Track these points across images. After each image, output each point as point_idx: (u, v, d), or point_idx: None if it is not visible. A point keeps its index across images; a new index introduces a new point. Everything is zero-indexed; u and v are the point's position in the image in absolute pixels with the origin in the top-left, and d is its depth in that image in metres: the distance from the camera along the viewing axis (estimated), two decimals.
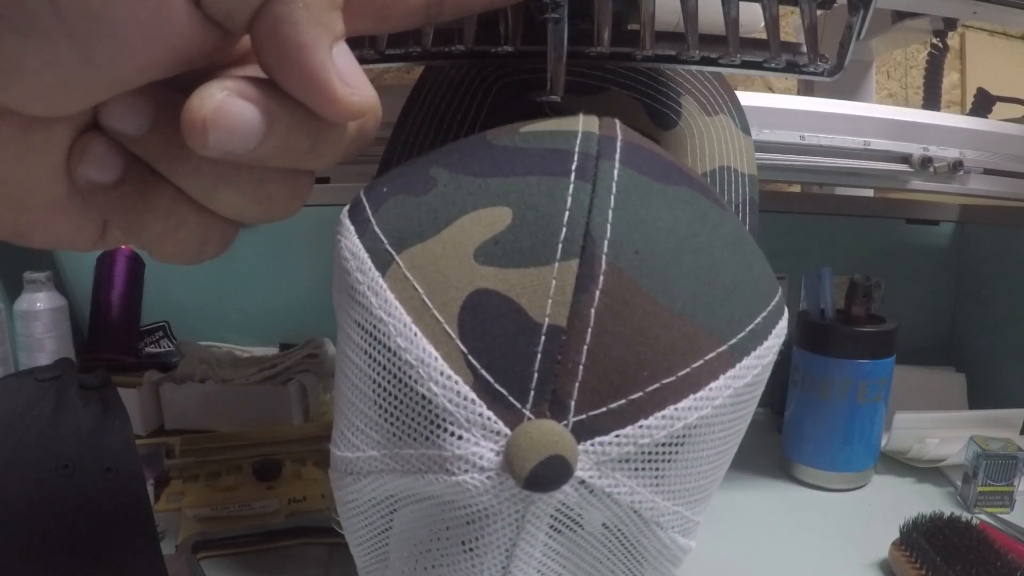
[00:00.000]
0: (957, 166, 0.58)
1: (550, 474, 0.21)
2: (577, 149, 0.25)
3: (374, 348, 0.24)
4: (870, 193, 0.84)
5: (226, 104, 0.15)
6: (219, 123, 0.15)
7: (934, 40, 0.75)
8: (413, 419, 0.23)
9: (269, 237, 0.76)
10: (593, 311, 0.22)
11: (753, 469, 0.59)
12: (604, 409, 0.22)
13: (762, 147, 0.56)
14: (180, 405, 0.64)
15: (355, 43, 0.17)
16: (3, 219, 0.18)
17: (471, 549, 0.23)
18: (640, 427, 0.22)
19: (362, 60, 0.30)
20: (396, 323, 0.23)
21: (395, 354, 0.23)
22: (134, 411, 0.60)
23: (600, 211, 0.23)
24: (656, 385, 0.22)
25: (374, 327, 0.24)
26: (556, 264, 0.22)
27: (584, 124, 0.26)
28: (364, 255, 0.25)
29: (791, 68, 0.31)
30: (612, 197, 0.23)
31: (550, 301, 0.22)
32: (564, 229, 0.23)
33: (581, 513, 0.23)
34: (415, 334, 0.23)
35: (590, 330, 0.22)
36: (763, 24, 0.30)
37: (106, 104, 0.16)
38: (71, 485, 0.36)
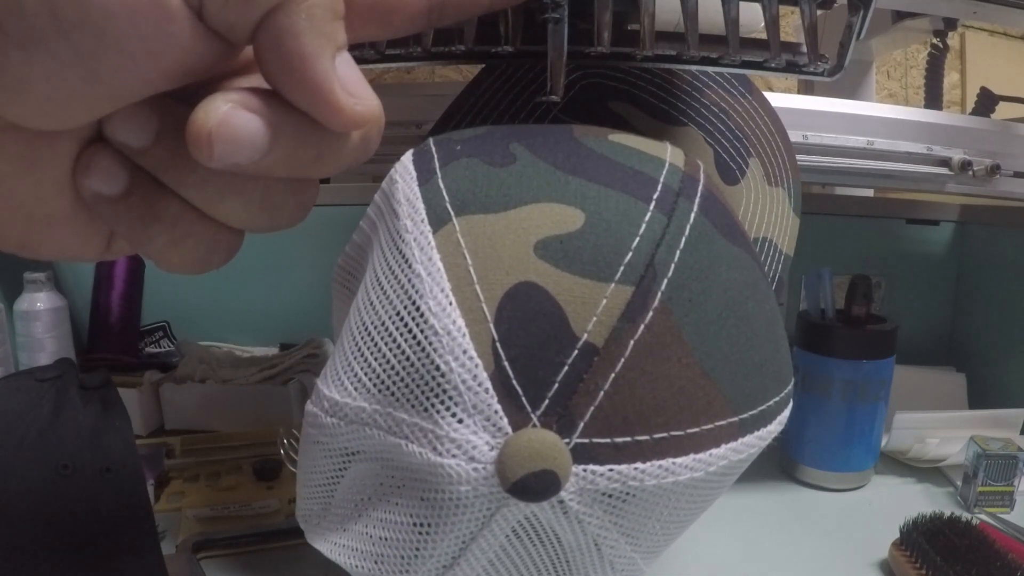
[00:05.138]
0: (994, 169, 0.58)
1: (538, 486, 0.21)
2: (662, 180, 0.24)
3: (401, 301, 0.23)
4: (870, 193, 0.84)
5: (231, 116, 0.15)
6: (224, 135, 0.15)
7: (934, 40, 0.75)
8: (419, 386, 0.22)
9: (269, 237, 0.75)
10: (632, 342, 0.22)
11: (753, 469, 0.58)
12: (608, 440, 0.22)
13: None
14: (180, 405, 0.64)
15: (355, 44, 0.17)
16: (9, 232, 0.18)
17: (425, 531, 0.23)
18: (635, 468, 0.22)
19: (362, 61, 0.30)
20: (433, 285, 0.22)
21: (423, 315, 0.22)
22: (134, 411, 0.60)
23: (668, 248, 0.23)
24: (665, 434, 0.22)
25: (409, 281, 0.23)
26: (612, 284, 0.22)
27: (672, 155, 0.26)
28: (421, 205, 0.24)
29: (791, 68, 0.31)
30: (683, 239, 0.23)
31: (594, 319, 0.22)
32: (630, 253, 0.22)
33: (545, 528, 0.23)
34: (450, 303, 0.22)
35: (623, 360, 0.22)
36: (763, 24, 0.30)
37: (110, 117, 0.16)
38: (71, 485, 0.36)
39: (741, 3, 0.29)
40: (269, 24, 0.15)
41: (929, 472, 0.58)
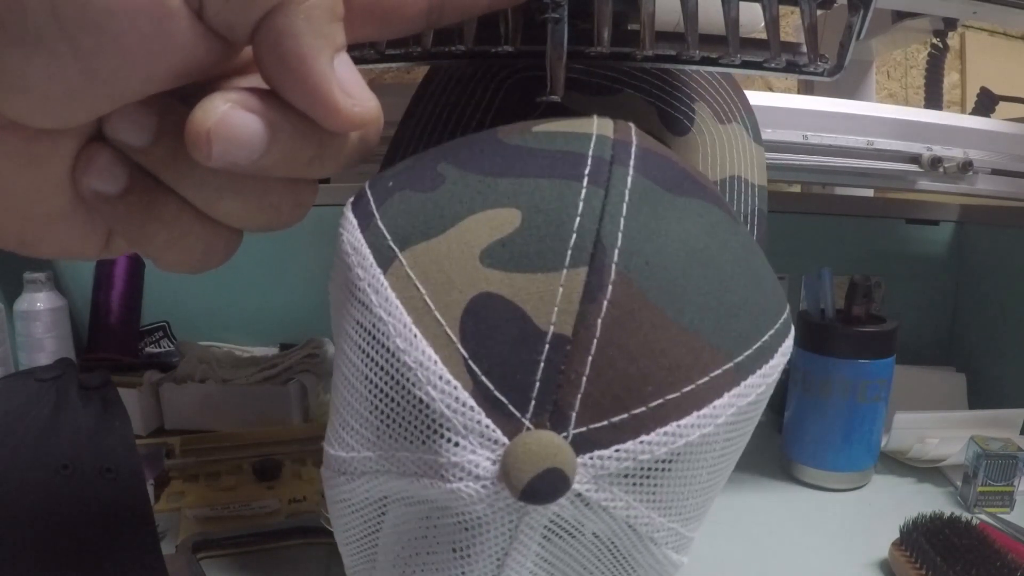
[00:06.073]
0: (966, 166, 0.58)
1: (547, 487, 0.21)
2: (591, 153, 0.24)
3: (372, 348, 0.23)
4: (870, 193, 0.84)
5: (230, 116, 0.15)
6: (223, 135, 0.15)
7: (934, 40, 0.75)
8: (410, 422, 0.22)
9: (269, 237, 0.75)
10: (600, 322, 0.21)
11: (753, 469, 0.59)
12: (606, 422, 0.22)
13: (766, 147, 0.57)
14: (180, 405, 0.64)
15: (354, 44, 0.17)
16: (8, 230, 0.18)
17: (462, 555, 0.23)
18: (641, 442, 0.22)
19: (362, 61, 0.30)
20: (396, 323, 0.23)
21: (394, 355, 0.22)
22: (134, 411, 0.60)
23: (612, 219, 0.22)
24: (660, 401, 0.22)
25: (373, 326, 0.23)
26: (564, 271, 0.22)
27: (599, 127, 0.26)
28: (366, 251, 0.24)
29: (791, 68, 0.31)
30: (625, 205, 0.23)
31: (556, 309, 0.22)
32: (574, 235, 0.22)
33: (575, 524, 0.23)
34: (415, 335, 0.22)
35: (596, 341, 0.21)
36: (763, 24, 0.30)
37: (110, 116, 0.17)
38: (71, 485, 0.36)
39: (741, 3, 0.29)
40: (268, 24, 0.15)
41: (929, 472, 0.58)
